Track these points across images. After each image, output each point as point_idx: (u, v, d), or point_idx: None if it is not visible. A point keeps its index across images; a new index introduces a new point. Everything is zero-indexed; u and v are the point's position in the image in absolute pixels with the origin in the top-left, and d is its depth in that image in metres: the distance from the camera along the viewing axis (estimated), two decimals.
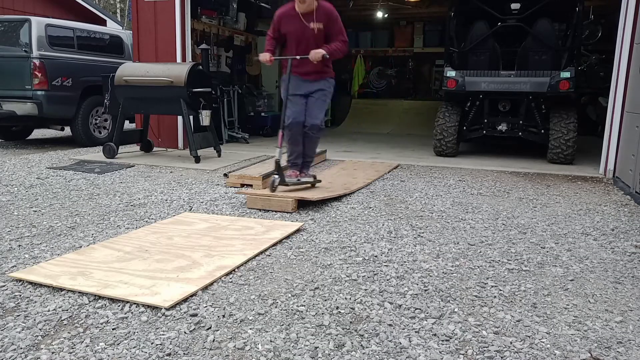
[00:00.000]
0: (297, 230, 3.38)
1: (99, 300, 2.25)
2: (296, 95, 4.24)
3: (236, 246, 3.01)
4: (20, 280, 2.45)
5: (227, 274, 2.58)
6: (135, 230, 3.34)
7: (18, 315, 2.10)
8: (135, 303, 2.22)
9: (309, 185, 4.40)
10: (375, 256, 2.89)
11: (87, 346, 1.87)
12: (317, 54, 4.00)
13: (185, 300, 2.26)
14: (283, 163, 4.26)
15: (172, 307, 2.18)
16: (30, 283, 2.44)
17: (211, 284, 2.46)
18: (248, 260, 2.79)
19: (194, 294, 2.33)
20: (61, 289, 2.35)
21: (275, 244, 3.08)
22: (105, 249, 2.91)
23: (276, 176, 4.08)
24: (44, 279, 2.45)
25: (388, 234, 3.33)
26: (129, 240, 3.10)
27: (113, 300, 2.25)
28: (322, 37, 4.13)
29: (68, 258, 2.77)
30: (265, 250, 2.98)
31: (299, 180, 4.35)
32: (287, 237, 3.24)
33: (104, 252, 2.86)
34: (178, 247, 2.98)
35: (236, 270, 2.65)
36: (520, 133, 6.63)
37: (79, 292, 2.32)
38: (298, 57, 4.12)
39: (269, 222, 3.56)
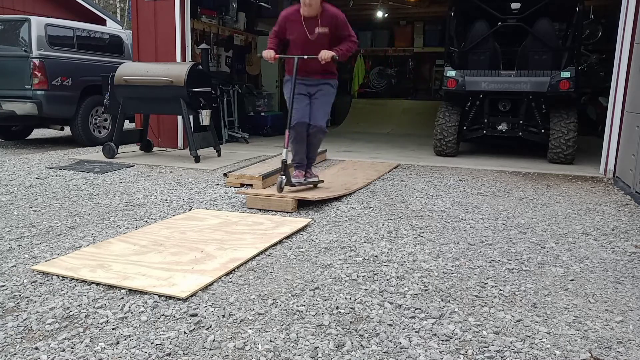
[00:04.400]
0: (305, 227, 3.46)
1: (99, 300, 2.24)
2: (301, 94, 4.18)
3: (247, 240, 3.09)
4: (39, 273, 2.46)
5: (239, 266, 2.67)
6: (149, 226, 3.42)
7: (18, 315, 2.10)
8: (154, 294, 2.30)
9: (311, 185, 4.41)
10: (375, 256, 2.88)
11: (87, 346, 1.87)
12: (326, 53, 3.93)
13: (202, 289, 2.37)
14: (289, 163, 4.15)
15: (189, 297, 2.28)
16: (49, 275, 2.52)
17: (226, 274, 2.55)
18: (260, 253, 2.88)
19: (209, 285, 2.42)
20: (62, 289, 2.35)
21: (284, 239, 3.16)
22: (121, 243, 3.00)
23: (283, 177, 3.98)
24: (65, 271, 2.54)
25: (388, 233, 3.33)
26: (144, 234, 3.19)
27: (131, 290, 2.34)
28: (327, 42, 4.07)
29: (87, 251, 2.86)
30: (276, 244, 3.06)
31: (305, 180, 4.36)
32: (296, 232, 3.31)
33: (121, 246, 2.95)
34: (192, 241, 3.05)
35: (245, 264, 2.69)
36: (520, 133, 6.62)
37: (98, 284, 2.42)
38: (305, 56, 4.02)
39: (278, 218, 3.62)
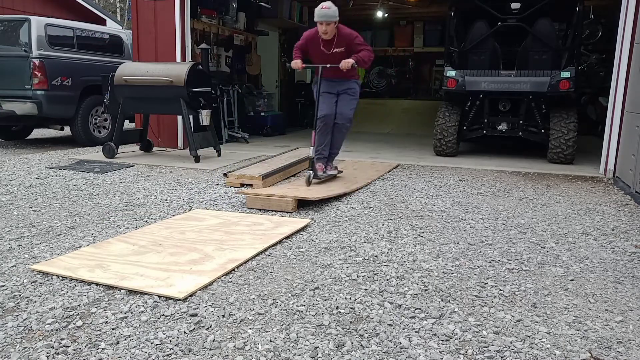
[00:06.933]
0: (305, 227, 3.45)
1: (99, 300, 2.24)
2: (327, 93, 4.78)
3: (246, 240, 3.09)
4: (39, 273, 2.46)
5: (238, 266, 2.67)
6: (148, 226, 3.42)
7: (18, 315, 2.10)
8: (151, 294, 2.29)
9: (333, 176, 5.01)
10: (375, 256, 2.88)
11: (87, 346, 1.87)
12: (346, 63, 4.45)
13: (201, 289, 2.37)
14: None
15: (186, 298, 2.27)
16: (48, 274, 2.52)
17: (224, 275, 2.55)
18: (258, 254, 2.88)
19: (207, 285, 2.42)
20: (62, 289, 2.35)
21: (283, 239, 3.16)
22: (121, 243, 3.00)
23: (310, 172, 4.61)
24: (64, 271, 2.54)
25: (388, 233, 3.33)
26: (143, 234, 3.19)
27: (130, 291, 2.33)
28: (344, 57, 4.55)
29: (86, 251, 2.86)
30: (275, 244, 3.06)
31: (325, 173, 4.89)
32: (296, 232, 3.31)
33: (120, 246, 2.94)
34: (190, 241, 3.05)
35: (245, 264, 2.69)
36: (520, 133, 6.62)
37: (97, 284, 2.41)
38: (328, 65, 4.58)
39: (277, 219, 3.62)
